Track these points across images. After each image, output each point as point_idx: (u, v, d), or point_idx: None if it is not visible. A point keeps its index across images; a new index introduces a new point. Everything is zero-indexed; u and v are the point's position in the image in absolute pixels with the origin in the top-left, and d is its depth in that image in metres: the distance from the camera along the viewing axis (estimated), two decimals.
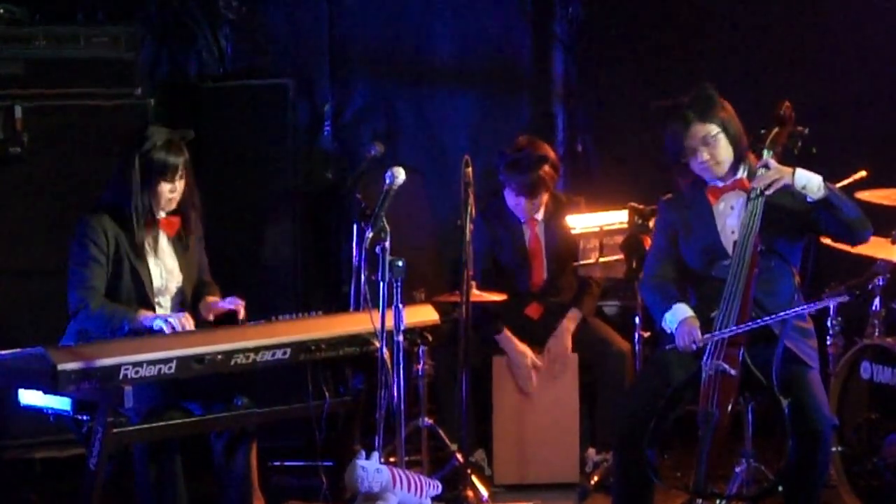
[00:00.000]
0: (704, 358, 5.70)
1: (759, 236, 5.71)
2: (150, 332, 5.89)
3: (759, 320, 5.65)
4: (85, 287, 5.98)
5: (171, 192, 6.09)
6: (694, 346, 5.73)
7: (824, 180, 5.67)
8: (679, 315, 5.82)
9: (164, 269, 6.16)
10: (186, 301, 6.21)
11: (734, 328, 5.66)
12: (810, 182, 5.65)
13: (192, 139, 6.22)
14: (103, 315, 5.93)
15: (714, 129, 5.79)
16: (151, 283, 6.10)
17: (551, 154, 7.21)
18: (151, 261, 6.12)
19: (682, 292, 5.94)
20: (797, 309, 5.67)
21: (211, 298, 6.26)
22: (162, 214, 6.15)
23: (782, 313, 5.65)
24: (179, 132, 6.17)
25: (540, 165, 7.12)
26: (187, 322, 5.94)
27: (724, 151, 5.83)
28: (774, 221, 5.76)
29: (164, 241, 6.18)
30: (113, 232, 6.03)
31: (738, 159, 5.86)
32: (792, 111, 5.89)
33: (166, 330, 5.85)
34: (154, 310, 6.07)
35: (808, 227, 5.83)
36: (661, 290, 5.94)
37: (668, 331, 5.86)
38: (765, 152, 5.78)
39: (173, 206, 6.15)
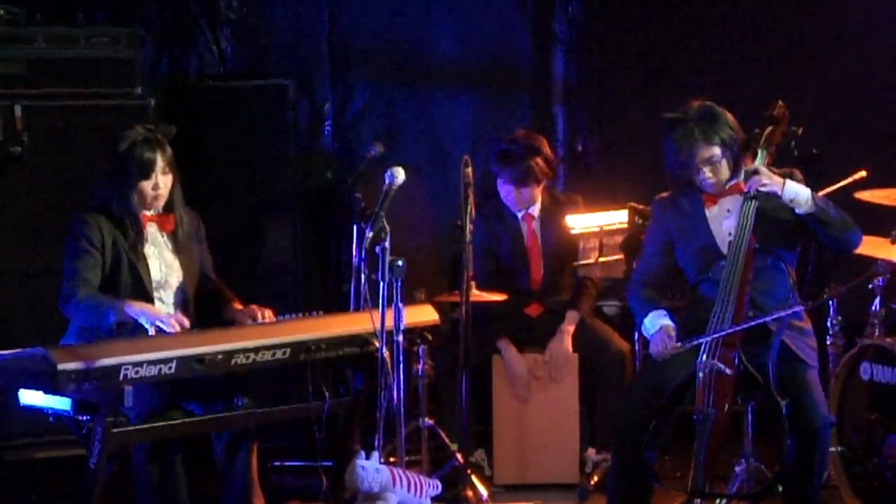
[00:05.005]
0: (699, 357, 5.71)
1: (753, 236, 5.71)
2: (138, 325, 5.85)
3: (733, 327, 5.66)
4: (75, 278, 5.93)
5: (153, 188, 6.03)
6: (672, 352, 5.74)
7: (814, 192, 5.68)
8: (656, 322, 5.85)
9: (164, 263, 6.12)
10: (188, 299, 6.18)
11: (703, 336, 5.67)
12: (798, 196, 5.66)
13: (175, 135, 6.16)
14: (90, 305, 5.88)
15: (717, 151, 5.77)
16: (150, 277, 6.06)
17: (546, 148, 7.20)
18: (151, 255, 6.08)
19: (669, 298, 5.96)
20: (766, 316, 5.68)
21: (238, 306, 6.21)
22: (150, 212, 6.09)
23: (752, 321, 5.66)
24: (160, 128, 6.14)
25: (530, 155, 7.12)
26: (178, 323, 5.88)
27: (726, 170, 5.83)
28: (769, 223, 5.76)
29: (159, 237, 6.14)
30: (108, 229, 5.99)
31: (738, 168, 5.86)
32: (786, 110, 5.88)
33: (151, 332, 5.80)
34: (154, 305, 6.03)
35: (802, 232, 5.83)
36: (643, 295, 5.97)
37: (647, 336, 5.89)
38: (759, 153, 5.78)
39: (160, 203, 6.09)
